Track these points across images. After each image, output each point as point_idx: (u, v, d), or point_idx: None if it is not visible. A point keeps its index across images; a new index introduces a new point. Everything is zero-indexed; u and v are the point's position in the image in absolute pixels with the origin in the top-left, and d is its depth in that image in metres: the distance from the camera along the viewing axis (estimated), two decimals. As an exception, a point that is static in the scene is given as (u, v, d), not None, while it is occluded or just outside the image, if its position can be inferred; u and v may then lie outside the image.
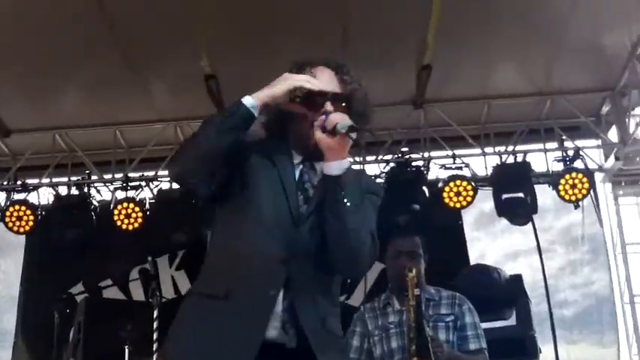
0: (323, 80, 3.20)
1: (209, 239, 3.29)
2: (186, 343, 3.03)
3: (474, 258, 9.36)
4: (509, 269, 7.61)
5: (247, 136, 3.16)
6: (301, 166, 3.22)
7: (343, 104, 3.17)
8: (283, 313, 2.98)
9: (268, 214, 3.07)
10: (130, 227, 8.98)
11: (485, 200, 9.22)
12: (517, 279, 7.24)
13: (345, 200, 3.01)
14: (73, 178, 9.59)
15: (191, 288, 3.17)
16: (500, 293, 6.98)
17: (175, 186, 8.87)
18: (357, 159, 9.16)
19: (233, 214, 3.15)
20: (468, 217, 9.72)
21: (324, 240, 3.06)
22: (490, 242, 10.40)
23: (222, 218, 3.22)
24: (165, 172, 9.12)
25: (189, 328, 3.05)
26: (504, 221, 9.11)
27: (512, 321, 7.13)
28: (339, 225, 3.02)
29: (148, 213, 9.11)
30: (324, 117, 3.08)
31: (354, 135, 3.00)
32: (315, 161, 3.20)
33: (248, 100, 3.06)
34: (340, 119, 3.02)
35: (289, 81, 3.13)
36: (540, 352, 6.99)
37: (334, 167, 3.04)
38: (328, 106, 3.12)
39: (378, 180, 8.94)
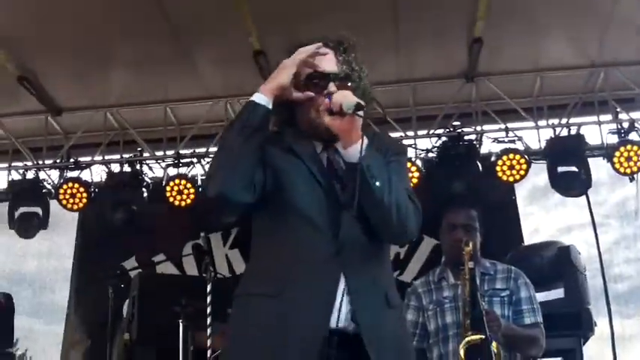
0: (323, 61, 3.19)
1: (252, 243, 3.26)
2: (245, 345, 3.01)
3: (527, 233, 9.27)
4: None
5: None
6: (326, 154, 3.20)
7: (349, 83, 3.17)
8: (348, 302, 2.98)
9: (309, 209, 3.05)
10: (183, 204, 9.03)
11: (538, 174, 9.12)
12: (564, 251, 7.08)
13: (375, 181, 2.99)
14: (125, 156, 9.64)
15: (238, 291, 3.13)
16: (542, 273, 6.90)
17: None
18: (409, 133, 9.14)
19: (273, 215, 3.13)
20: (521, 192, 9.59)
21: (369, 220, 3.05)
22: (543, 217, 10.29)
23: (262, 222, 3.19)
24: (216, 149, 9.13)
25: (246, 330, 3.03)
26: (558, 195, 8.99)
27: (561, 293, 7.06)
28: (377, 206, 3.01)
29: (200, 189, 9.12)
30: (327, 99, 3.06)
31: (361, 113, 2.95)
32: (336, 143, 3.16)
33: (260, 98, 3.05)
34: (343, 99, 3.00)
35: (289, 64, 3.11)
36: (596, 325, 6.93)
37: (352, 153, 3.00)
38: (332, 86, 3.12)
39: (430, 154, 8.93)
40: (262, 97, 3.04)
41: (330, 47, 3.23)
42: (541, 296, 6.26)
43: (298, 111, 3.22)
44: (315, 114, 3.13)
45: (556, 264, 6.99)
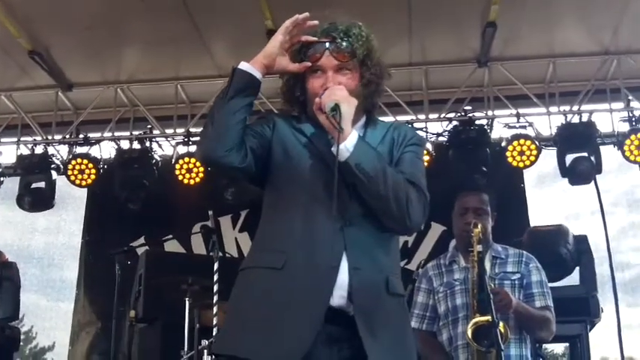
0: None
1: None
2: (246, 314, 3.03)
3: (533, 219, 9.22)
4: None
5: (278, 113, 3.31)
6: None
7: (341, 52, 3.16)
8: (349, 281, 2.98)
9: (316, 186, 3.06)
10: (192, 182, 9.03)
11: (546, 160, 9.09)
12: (583, 240, 7.22)
13: (367, 174, 3.00)
14: (135, 133, 9.64)
15: (244, 264, 3.16)
16: (563, 260, 7.00)
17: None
18: (421, 116, 9.13)
19: (280, 191, 3.16)
20: (528, 177, 9.57)
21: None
22: (550, 203, 10.29)
23: (270, 197, 3.22)
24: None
25: (249, 300, 3.06)
26: (565, 182, 8.97)
27: (575, 280, 7.12)
28: (373, 198, 3.03)
29: (209, 168, 9.10)
30: (318, 99, 3.08)
31: (338, 117, 2.97)
32: None
33: (243, 65, 3.09)
34: (327, 99, 3.03)
35: (277, 33, 3.15)
36: (602, 312, 6.98)
37: (342, 151, 3.00)
38: (326, 57, 3.15)
39: (441, 138, 8.92)
40: (245, 64, 3.10)
41: (333, 33, 3.20)
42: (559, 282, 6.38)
43: (308, 104, 3.23)
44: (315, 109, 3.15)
45: (575, 252, 7.05)
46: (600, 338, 7.53)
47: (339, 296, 2.96)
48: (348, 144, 3.00)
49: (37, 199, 9.52)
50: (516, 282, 5.19)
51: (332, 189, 2.96)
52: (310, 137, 3.17)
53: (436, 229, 8.62)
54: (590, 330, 6.97)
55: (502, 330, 4.65)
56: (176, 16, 8.05)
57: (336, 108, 2.98)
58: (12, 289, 8.18)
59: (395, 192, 3.02)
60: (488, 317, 4.65)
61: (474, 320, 4.82)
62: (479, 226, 5.00)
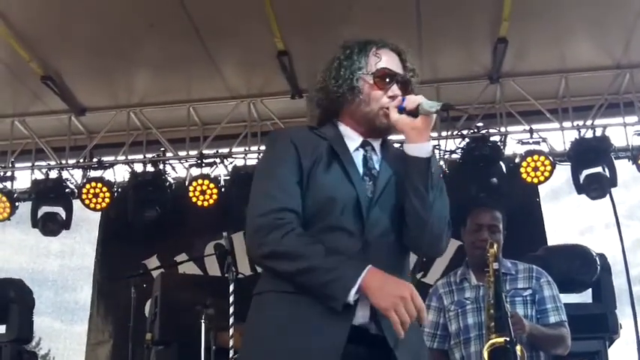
0: (390, 62, 3.21)
1: None
2: (266, 341, 2.97)
3: (548, 233, 9.19)
4: (583, 244, 7.50)
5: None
6: (363, 151, 3.18)
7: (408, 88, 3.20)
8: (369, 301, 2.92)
9: (338, 205, 3.00)
10: (205, 204, 9.03)
11: (559, 174, 9.05)
12: (601, 257, 7.17)
13: (434, 181, 2.99)
14: (148, 155, 9.65)
15: (258, 288, 3.09)
16: (578, 278, 7.01)
17: (250, 162, 9.04)
18: (433, 134, 9.08)
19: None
20: (541, 192, 9.52)
21: (400, 222, 3.04)
22: (564, 217, 10.25)
23: None
24: (240, 149, 9.33)
25: (266, 325, 3.00)
26: (578, 196, 8.92)
27: (588, 297, 7.16)
28: (425, 212, 3.00)
29: (222, 189, 9.14)
30: (400, 98, 3.08)
31: (444, 114, 3.00)
32: (374, 140, 3.20)
33: (352, 296, 2.84)
34: (421, 99, 3.03)
35: (395, 309, 2.83)
36: (621, 327, 6.95)
37: (422, 149, 3.00)
38: (395, 87, 3.15)
39: (454, 155, 8.91)
40: (353, 295, 2.85)
41: (396, 52, 3.27)
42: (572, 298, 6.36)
43: (348, 105, 3.20)
44: (376, 108, 3.14)
45: (593, 270, 7.06)
46: (619, 354, 7.47)
47: (361, 316, 2.93)
48: (428, 147, 3.02)
49: (55, 223, 9.52)
50: (528, 298, 5.15)
51: (357, 203, 3.01)
52: (339, 154, 3.11)
53: (452, 244, 8.52)
54: (609, 346, 6.92)
55: (519, 352, 4.62)
56: (186, 38, 8.06)
57: (448, 106, 3.00)
58: (19, 309, 8.10)
59: (443, 214, 3.05)
60: (505, 337, 4.62)
61: (490, 341, 4.78)
62: (494, 245, 4.97)
